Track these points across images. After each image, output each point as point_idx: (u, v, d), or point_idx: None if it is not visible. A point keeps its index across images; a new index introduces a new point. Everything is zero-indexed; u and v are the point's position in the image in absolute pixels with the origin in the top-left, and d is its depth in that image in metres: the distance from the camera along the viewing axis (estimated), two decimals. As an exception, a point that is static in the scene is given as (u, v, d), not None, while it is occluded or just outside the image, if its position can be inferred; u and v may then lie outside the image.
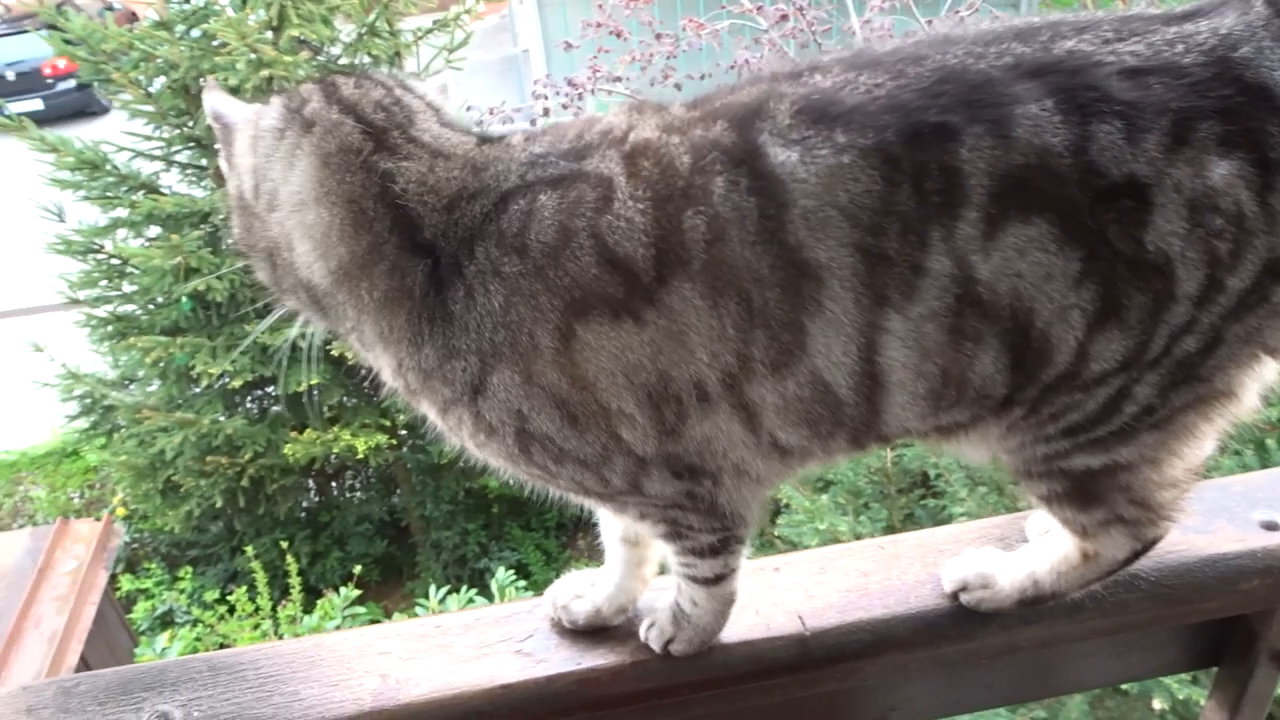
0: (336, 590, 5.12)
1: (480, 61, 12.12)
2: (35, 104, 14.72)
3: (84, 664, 4.77)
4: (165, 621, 6.23)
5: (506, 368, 1.06)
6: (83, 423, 6.65)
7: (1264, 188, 0.97)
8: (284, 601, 5.35)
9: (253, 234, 1.18)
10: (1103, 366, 1.05)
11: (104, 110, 14.85)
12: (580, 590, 1.36)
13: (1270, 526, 1.41)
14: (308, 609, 5.23)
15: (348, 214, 1.08)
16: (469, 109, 4.99)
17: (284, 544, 6.08)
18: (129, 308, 6.31)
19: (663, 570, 1.35)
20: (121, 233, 6.15)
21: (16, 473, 8.62)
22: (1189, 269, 0.99)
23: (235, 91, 5.60)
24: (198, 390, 6.37)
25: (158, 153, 6.22)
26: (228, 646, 5.13)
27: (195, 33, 5.96)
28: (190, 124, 6.04)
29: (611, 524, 1.34)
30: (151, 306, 6.22)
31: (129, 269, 6.11)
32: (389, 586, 7.07)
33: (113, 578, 5.87)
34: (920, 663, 1.40)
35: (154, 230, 6.14)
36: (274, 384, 6.45)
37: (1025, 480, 1.23)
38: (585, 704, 1.29)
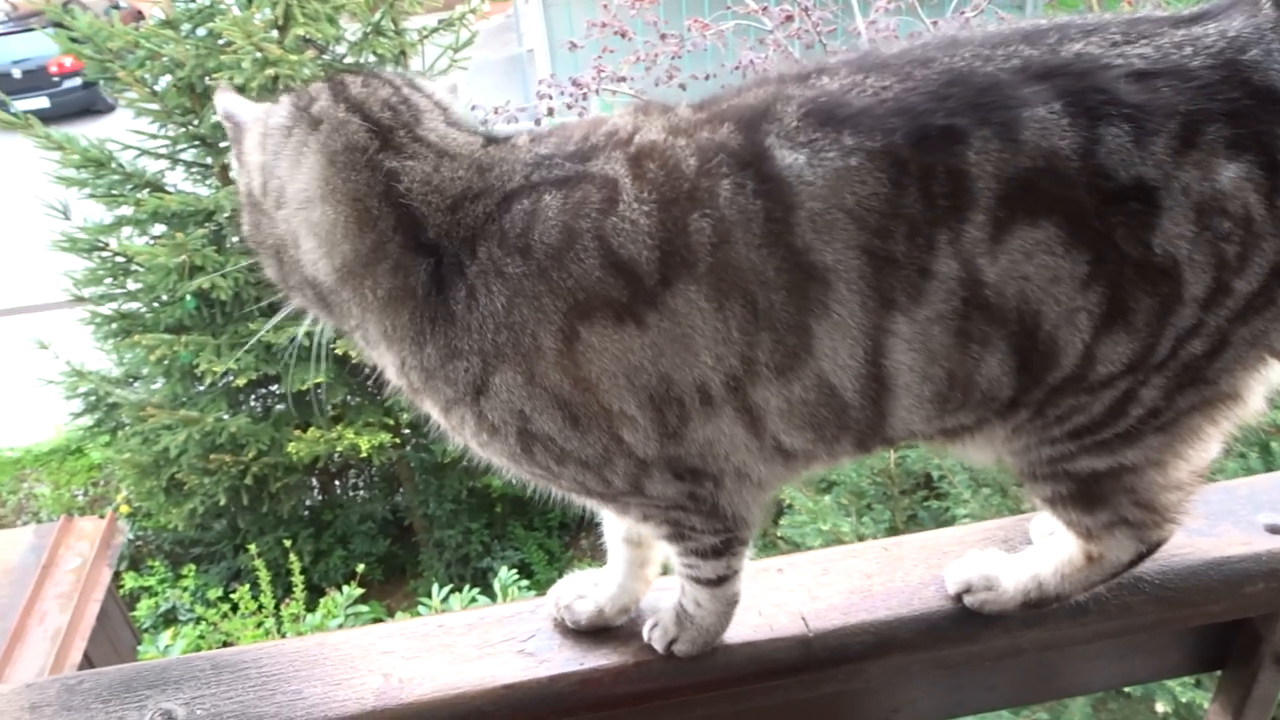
0: (339, 589, 5.13)
1: (485, 61, 12.13)
2: (41, 102, 14.75)
3: (87, 661, 4.78)
4: (168, 619, 6.25)
5: (509, 368, 1.06)
6: (87, 420, 6.67)
7: (1272, 191, 0.97)
8: (287, 600, 5.37)
9: (260, 231, 1.19)
10: (1109, 369, 1.05)
11: (110, 108, 14.91)
12: (583, 590, 1.35)
13: (1275, 530, 1.40)
14: (310, 607, 5.25)
15: (352, 212, 1.08)
16: (474, 108, 4.99)
17: (287, 542, 6.10)
18: (134, 305, 6.33)
19: (665, 571, 1.35)
20: (126, 231, 6.17)
21: (21, 470, 8.64)
22: (1196, 272, 0.99)
23: (240, 90, 5.62)
24: (202, 388, 6.40)
25: (163, 151, 6.25)
26: (231, 644, 5.14)
27: (201, 31, 5.99)
28: (195, 122, 6.06)
29: (614, 524, 1.34)
30: (156, 304, 6.24)
31: (134, 267, 6.13)
32: (392, 585, 7.08)
33: (116, 575, 5.88)
34: (923, 664, 1.40)
35: (159, 228, 6.16)
36: (278, 382, 6.46)
37: (1030, 482, 1.22)
38: (588, 704, 1.29)
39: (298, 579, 5.33)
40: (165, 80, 6.01)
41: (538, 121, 4.90)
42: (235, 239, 6.11)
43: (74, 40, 5.92)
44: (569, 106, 4.99)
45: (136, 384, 6.68)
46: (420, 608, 4.73)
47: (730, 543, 1.22)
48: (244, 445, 6.18)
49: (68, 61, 14.15)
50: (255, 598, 5.38)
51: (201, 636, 5.42)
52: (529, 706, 1.27)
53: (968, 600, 1.33)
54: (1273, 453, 3.08)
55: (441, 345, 1.08)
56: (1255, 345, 1.06)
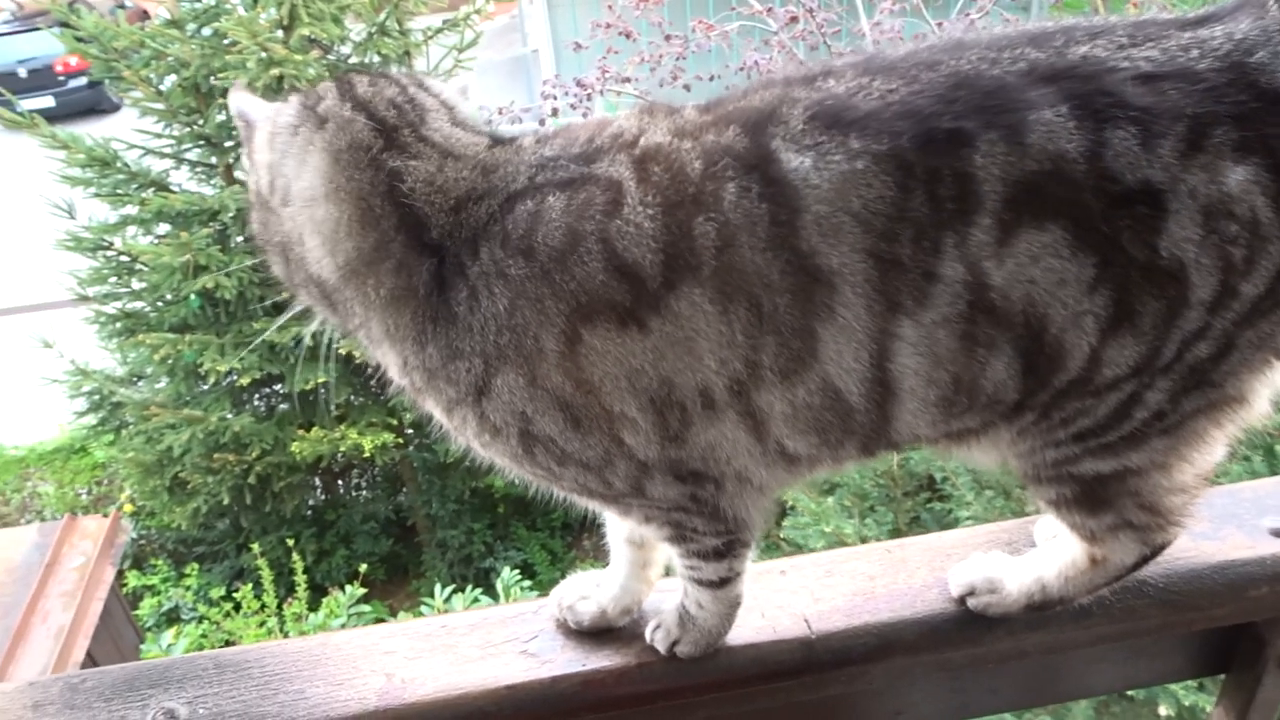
0: (342, 588, 5.14)
1: (490, 61, 12.14)
2: (47, 101, 14.79)
3: (90, 659, 4.79)
4: (171, 618, 6.26)
5: (511, 370, 1.06)
6: (91, 419, 6.68)
7: (1279, 193, 0.96)
8: (289, 599, 5.37)
9: (268, 229, 1.19)
10: (1115, 372, 1.05)
11: (115, 108, 14.93)
12: (586, 591, 1.35)
13: (1280, 534, 1.40)
14: (313, 607, 5.25)
15: (355, 210, 1.08)
16: (479, 109, 4.99)
17: (290, 542, 6.11)
18: (138, 305, 6.34)
19: (668, 572, 1.35)
20: (131, 230, 6.18)
21: (25, 468, 8.66)
22: (1203, 275, 0.99)
23: (245, 90, 5.63)
24: (205, 387, 6.40)
25: (168, 150, 6.26)
26: (233, 643, 5.15)
27: (206, 31, 6.00)
28: (200, 122, 6.07)
29: (617, 525, 1.34)
30: (160, 304, 6.25)
31: (138, 266, 6.14)
32: (394, 585, 7.08)
33: (119, 574, 5.89)
34: (926, 667, 1.39)
35: (163, 227, 6.17)
36: (281, 382, 6.46)
37: (1034, 485, 1.22)
38: (590, 705, 1.29)
39: (300, 578, 5.34)
40: (170, 80, 6.02)
41: (542, 122, 4.90)
42: (239, 238, 6.13)
43: (79, 40, 5.94)
44: (573, 107, 4.99)
45: (140, 383, 6.68)
46: (423, 608, 4.73)
47: (732, 545, 1.22)
48: (247, 444, 6.19)
49: (73, 61, 14.18)
50: (258, 597, 5.38)
51: (204, 635, 5.43)
52: (531, 707, 1.27)
53: (971, 603, 1.33)
54: (1277, 456, 3.08)
55: (443, 346, 1.08)
56: (1261, 348, 1.06)
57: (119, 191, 6.03)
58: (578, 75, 5.15)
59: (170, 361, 6.05)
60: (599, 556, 6.74)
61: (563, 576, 1.41)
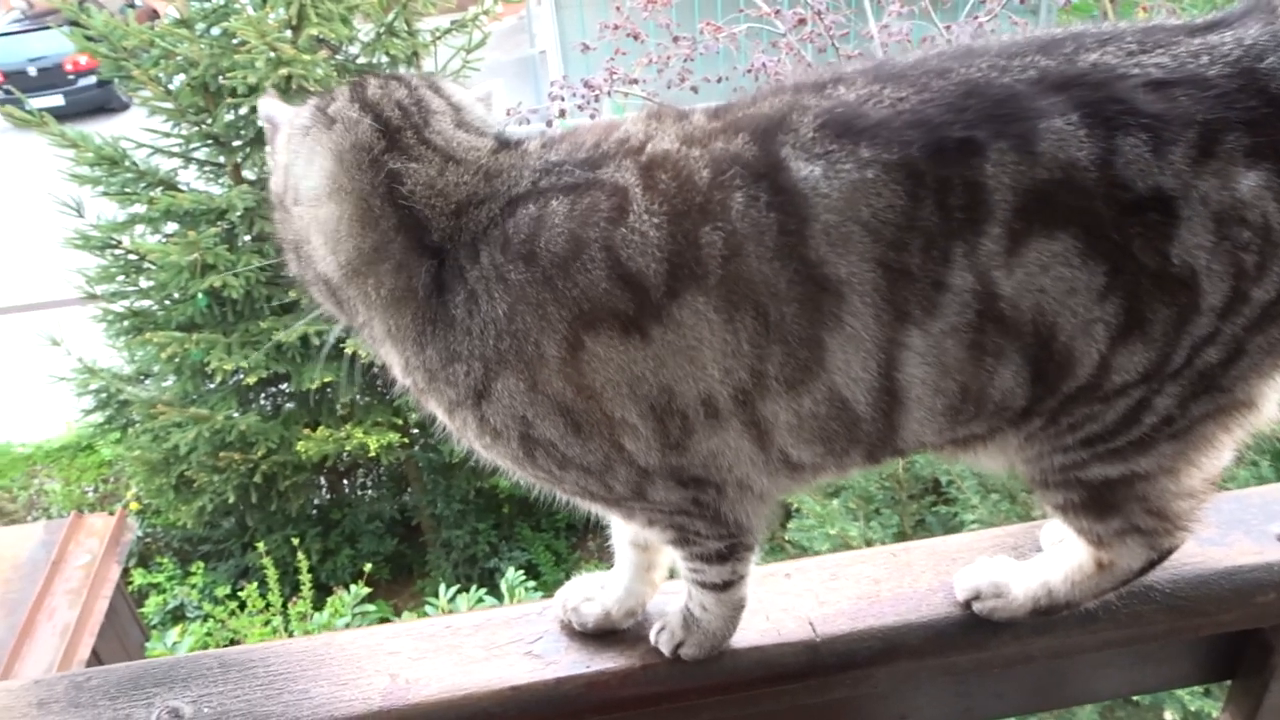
0: (347, 588, 5.13)
1: (497, 62, 12.15)
2: (56, 99, 14.85)
3: (95, 657, 4.80)
4: (176, 616, 6.27)
5: (511, 374, 1.06)
6: (98, 417, 6.70)
7: None
8: (294, 598, 5.37)
9: (284, 228, 1.20)
10: (1124, 378, 1.05)
11: (124, 106, 15.00)
12: (590, 593, 1.35)
13: (1287, 539, 1.39)
14: (318, 606, 5.25)
15: (356, 210, 1.09)
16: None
17: (295, 541, 6.12)
18: (145, 303, 6.36)
19: (672, 574, 1.35)
20: (139, 228, 6.20)
21: (32, 466, 8.69)
22: (1214, 282, 0.98)
23: (253, 90, 5.65)
24: (212, 386, 6.42)
25: (176, 149, 6.28)
26: (238, 642, 5.15)
27: (215, 31, 6.01)
28: (209, 121, 6.09)
29: (621, 527, 1.33)
30: (168, 302, 6.27)
31: (146, 265, 6.16)
32: (399, 585, 7.09)
33: (125, 572, 5.91)
34: (931, 671, 1.39)
35: (171, 226, 6.19)
36: (287, 381, 6.48)
37: (1041, 490, 1.22)
38: (594, 707, 1.29)
39: (305, 577, 5.34)
40: (179, 79, 6.04)
41: (549, 123, 4.91)
42: (247, 237, 6.15)
43: (89, 38, 5.96)
44: (581, 108, 5.00)
45: (147, 381, 6.70)
46: (427, 607, 4.72)
47: (735, 548, 1.21)
48: (253, 443, 6.20)
49: (83, 60, 14.24)
50: (263, 596, 5.39)
51: (209, 634, 5.44)
52: (535, 708, 1.27)
53: (977, 607, 1.33)
54: (1285, 461, 3.06)
55: (442, 348, 1.08)
56: (1271, 353, 1.05)
57: (127, 190, 6.05)
58: (585, 76, 5.15)
59: (177, 360, 6.07)
60: (604, 557, 6.74)
61: (567, 577, 1.41)
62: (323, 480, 7.27)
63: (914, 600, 1.36)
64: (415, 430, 6.75)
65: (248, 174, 6.27)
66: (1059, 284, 0.98)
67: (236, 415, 6.26)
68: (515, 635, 1.34)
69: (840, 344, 1.02)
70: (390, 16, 6.15)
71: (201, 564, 6.58)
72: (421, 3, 6.35)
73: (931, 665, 1.36)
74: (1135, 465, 1.14)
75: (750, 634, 1.32)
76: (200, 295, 5.98)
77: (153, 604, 6.34)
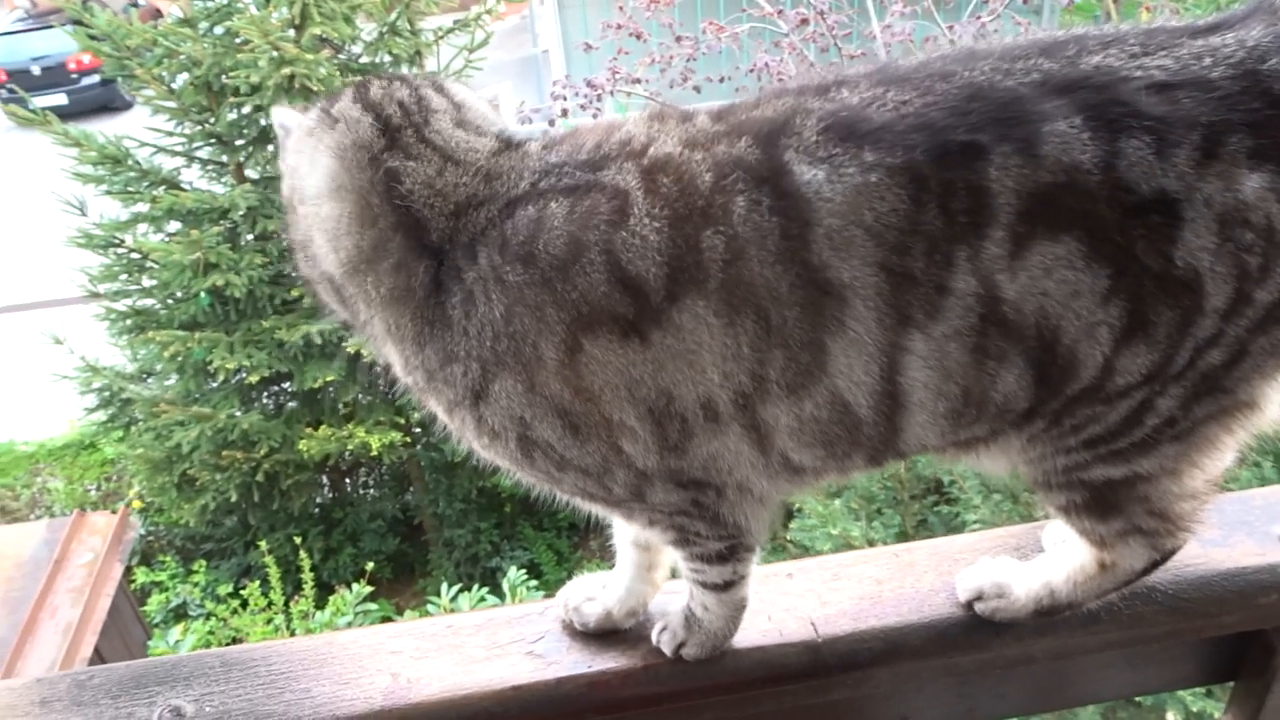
0: (349, 586, 5.13)
1: (500, 62, 12.15)
2: (60, 98, 14.88)
3: (98, 655, 4.81)
4: (179, 615, 6.27)
5: (509, 375, 1.06)
6: (100, 415, 6.71)
7: None
8: (296, 597, 5.37)
9: (293, 229, 1.21)
10: (1127, 380, 1.05)
11: (127, 106, 15.02)
12: (592, 593, 1.35)
13: (1290, 541, 1.39)
14: (320, 605, 5.25)
15: (355, 208, 1.09)
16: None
17: (297, 539, 6.11)
18: (148, 302, 6.37)
19: (674, 574, 1.35)
20: (142, 227, 6.21)
21: (35, 464, 8.70)
22: (1218, 283, 0.98)
23: (256, 89, 5.66)
24: (214, 385, 6.43)
25: (179, 149, 6.29)
26: (240, 640, 5.15)
27: (218, 30, 6.02)
28: (212, 120, 6.10)
29: (623, 527, 1.33)
30: (170, 301, 6.28)
31: (149, 263, 6.17)
32: (401, 584, 7.09)
33: (127, 570, 5.91)
34: (933, 672, 1.39)
35: (174, 225, 6.20)
36: (290, 380, 6.48)
37: (1044, 491, 1.22)
38: (596, 706, 1.29)
39: (307, 576, 5.34)
40: (182, 78, 6.05)
41: (552, 123, 4.91)
42: (249, 237, 6.15)
43: (92, 38, 5.97)
44: (583, 108, 5.00)
45: (150, 380, 6.71)
46: (429, 606, 4.73)
47: (736, 549, 1.21)
48: (256, 442, 6.21)
49: (86, 59, 14.25)
50: (265, 594, 5.39)
51: (211, 632, 5.44)
52: (537, 708, 1.27)
53: (979, 607, 1.32)
54: (1288, 462, 3.06)
55: (439, 348, 1.09)
56: (1274, 354, 1.05)
57: (130, 189, 6.06)
58: (588, 76, 5.16)
59: (180, 359, 6.08)
60: (605, 557, 6.74)
61: (569, 577, 1.41)
62: (325, 479, 7.28)
63: (916, 601, 1.36)
64: (417, 429, 6.75)
65: (250, 173, 6.28)
66: (1062, 287, 0.98)
67: (239, 414, 6.27)
68: (517, 635, 1.34)
69: (842, 348, 1.02)
70: (393, 16, 6.15)
71: (204, 562, 6.58)
72: (424, 2, 6.35)
73: (934, 666, 1.36)
74: (1138, 466, 1.13)
75: (752, 634, 1.32)
76: (203, 294, 5.99)
77: (155, 602, 6.34)
